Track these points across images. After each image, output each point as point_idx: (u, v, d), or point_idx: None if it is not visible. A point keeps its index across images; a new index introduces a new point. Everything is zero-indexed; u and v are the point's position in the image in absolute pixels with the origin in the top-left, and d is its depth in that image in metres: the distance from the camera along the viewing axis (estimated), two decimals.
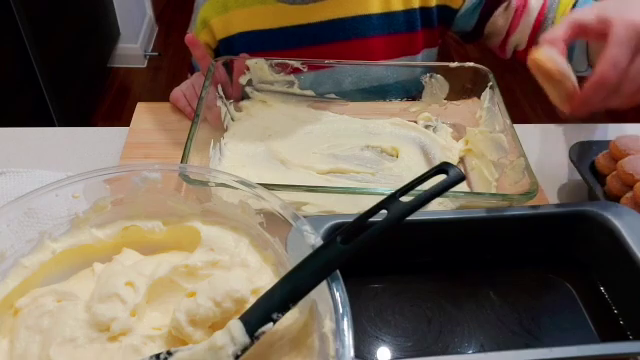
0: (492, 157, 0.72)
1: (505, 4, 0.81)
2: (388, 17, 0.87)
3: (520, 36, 0.80)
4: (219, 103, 0.79)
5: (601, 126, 0.87)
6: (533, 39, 0.80)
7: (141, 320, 0.48)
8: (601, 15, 0.52)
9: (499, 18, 0.82)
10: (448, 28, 0.88)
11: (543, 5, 0.79)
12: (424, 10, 0.87)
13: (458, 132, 0.81)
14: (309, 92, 0.85)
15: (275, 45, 0.86)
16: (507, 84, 2.26)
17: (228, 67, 0.81)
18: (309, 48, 0.86)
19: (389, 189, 0.50)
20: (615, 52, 0.50)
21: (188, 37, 0.84)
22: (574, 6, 0.77)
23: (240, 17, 0.88)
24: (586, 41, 0.73)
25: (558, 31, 0.54)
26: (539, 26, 0.79)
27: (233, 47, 0.89)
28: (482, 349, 0.46)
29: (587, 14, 0.54)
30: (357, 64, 0.85)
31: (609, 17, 0.51)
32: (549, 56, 0.53)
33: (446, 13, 0.86)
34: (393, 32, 0.88)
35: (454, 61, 0.82)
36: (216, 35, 0.90)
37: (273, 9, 0.87)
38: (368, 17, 0.87)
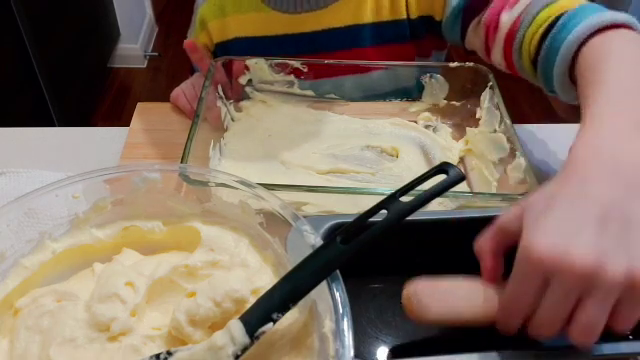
0: (492, 157, 0.72)
1: (475, 21, 0.77)
2: (379, 27, 0.86)
3: (498, 54, 0.75)
4: (219, 103, 0.79)
5: None
6: (509, 56, 0.73)
7: (141, 320, 0.48)
8: (520, 224, 0.43)
9: (472, 35, 0.78)
10: (442, 39, 0.87)
11: (515, 21, 0.70)
12: (411, 21, 0.86)
13: (458, 132, 0.81)
14: (309, 92, 0.85)
15: (270, 53, 0.86)
16: (507, 84, 2.25)
17: (228, 67, 0.81)
18: (303, 57, 0.86)
19: (389, 189, 0.50)
20: (513, 289, 0.43)
21: (187, 42, 0.83)
22: (550, 27, 0.65)
23: (237, 22, 0.88)
24: (567, 64, 0.61)
25: (484, 242, 0.47)
26: (510, 43, 0.72)
27: (229, 52, 0.88)
28: (482, 349, 0.46)
29: (512, 218, 0.44)
30: (356, 64, 0.85)
31: (522, 231, 0.42)
32: (419, 306, 0.47)
33: (431, 24, 0.85)
34: (384, 43, 0.87)
35: (454, 61, 0.82)
36: (213, 38, 0.90)
37: (266, 17, 0.86)
38: (361, 27, 0.86)
